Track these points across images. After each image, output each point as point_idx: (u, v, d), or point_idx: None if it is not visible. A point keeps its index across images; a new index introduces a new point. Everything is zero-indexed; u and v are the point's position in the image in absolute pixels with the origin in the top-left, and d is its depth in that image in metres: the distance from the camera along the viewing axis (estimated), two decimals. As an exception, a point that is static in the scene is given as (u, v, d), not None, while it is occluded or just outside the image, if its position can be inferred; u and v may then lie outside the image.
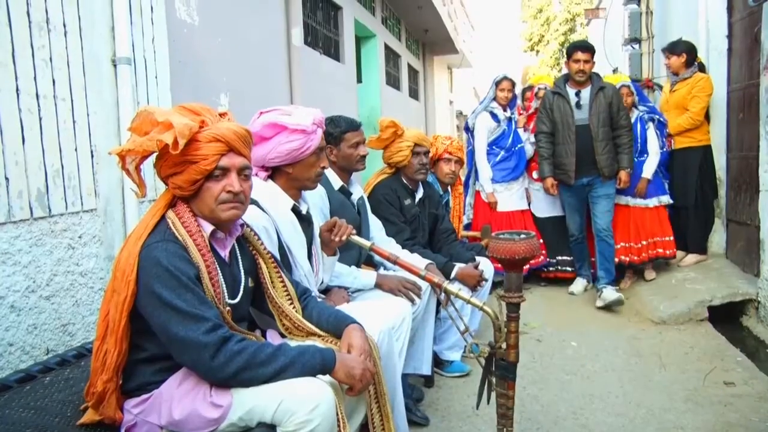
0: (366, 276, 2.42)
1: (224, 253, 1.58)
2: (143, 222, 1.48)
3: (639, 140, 4.24)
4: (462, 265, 2.89)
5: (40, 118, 2.19)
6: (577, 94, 4.07)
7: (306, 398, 1.37)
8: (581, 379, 2.92)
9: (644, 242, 4.29)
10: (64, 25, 2.33)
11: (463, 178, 4.40)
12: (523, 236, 1.76)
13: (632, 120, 4.22)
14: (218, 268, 1.52)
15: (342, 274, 2.36)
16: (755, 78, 3.68)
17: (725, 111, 4.33)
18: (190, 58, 3.41)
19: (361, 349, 1.59)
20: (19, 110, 2.08)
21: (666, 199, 4.38)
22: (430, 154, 3.42)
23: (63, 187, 2.29)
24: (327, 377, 1.48)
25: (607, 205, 4.14)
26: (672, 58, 4.30)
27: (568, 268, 4.63)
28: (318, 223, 2.14)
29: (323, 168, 2.09)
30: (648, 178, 4.22)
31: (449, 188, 3.77)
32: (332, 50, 6.77)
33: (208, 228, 1.52)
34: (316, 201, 2.28)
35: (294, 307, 1.71)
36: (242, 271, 1.62)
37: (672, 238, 4.32)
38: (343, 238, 2.04)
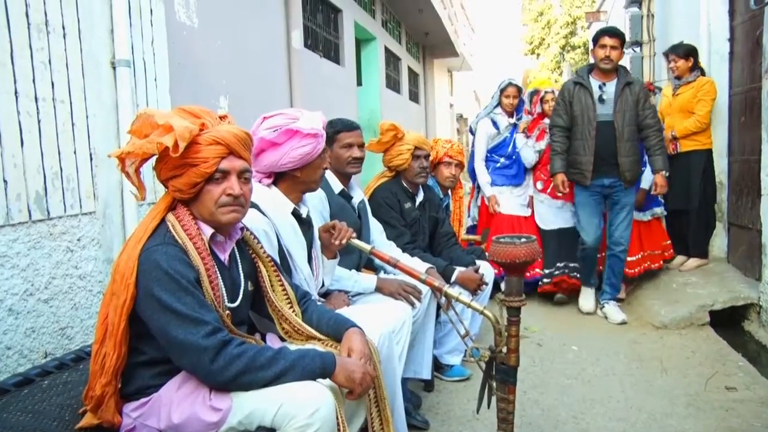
0: (366, 280, 2.42)
1: (224, 257, 1.58)
2: (143, 225, 1.48)
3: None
4: (462, 268, 2.90)
5: (39, 121, 2.19)
6: (602, 87, 3.70)
7: (306, 402, 1.37)
8: (582, 384, 2.92)
9: (639, 255, 4.19)
10: (63, 27, 2.34)
11: (470, 182, 4.45)
12: (523, 240, 1.77)
13: None
14: (218, 272, 1.52)
15: (342, 278, 2.37)
16: (757, 81, 3.69)
17: (727, 114, 4.34)
18: (190, 60, 3.42)
19: (361, 352, 1.59)
20: (18, 112, 2.09)
21: (660, 211, 4.33)
22: (431, 158, 3.43)
23: (62, 189, 2.30)
24: (327, 381, 1.48)
25: (628, 217, 3.82)
26: (680, 61, 4.24)
27: (574, 274, 4.28)
28: (318, 226, 2.15)
29: (326, 168, 2.13)
30: (646, 189, 4.08)
31: (449, 192, 3.78)
32: (332, 53, 6.79)
33: (208, 231, 1.52)
34: (316, 204, 2.29)
35: (294, 311, 1.72)
36: (242, 275, 1.62)
37: (669, 242, 4.28)
38: (343, 241, 2.05)
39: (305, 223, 2.08)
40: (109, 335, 1.41)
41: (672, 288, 4.08)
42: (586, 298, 4.07)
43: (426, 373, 2.58)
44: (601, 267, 4.14)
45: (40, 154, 2.19)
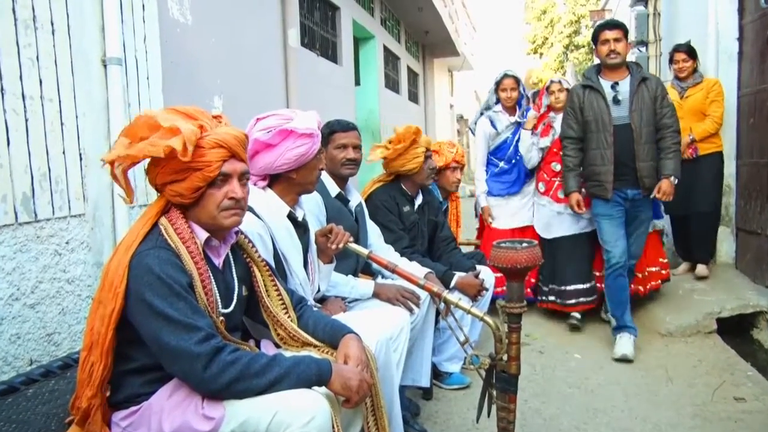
0: (363, 285, 2.42)
1: (218, 261, 1.58)
2: (134, 230, 1.47)
3: None
4: (462, 274, 2.90)
5: (26, 120, 2.19)
6: (614, 87, 3.37)
7: (301, 410, 1.37)
8: (585, 393, 2.91)
9: (647, 271, 3.94)
10: (52, 23, 2.34)
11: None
12: (525, 245, 1.77)
13: None
14: (212, 277, 1.52)
15: (338, 284, 2.37)
16: (767, 82, 3.70)
17: (735, 116, 4.35)
18: (183, 58, 3.43)
19: (358, 359, 1.59)
20: (4, 111, 2.09)
21: (660, 224, 4.12)
22: (440, 164, 3.49)
23: (50, 191, 2.29)
24: (323, 389, 1.47)
25: (646, 231, 3.58)
26: (689, 61, 4.21)
27: (571, 301, 3.85)
28: (314, 230, 2.15)
29: (322, 169, 2.14)
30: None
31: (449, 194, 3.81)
32: (330, 52, 6.81)
33: (202, 235, 1.52)
34: (312, 208, 2.29)
35: (289, 317, 1.72)
36: (236, 280, 1.62)
37: (666, 259, 4.09)
38: (340, 245, 2.05)
39: (301, 227, 2.08)
40: (95, 345, 1.40)
41: (678, 294, 4.07)
42: (623, 342, 3.38)
43: (425, 381, 2.58)
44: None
45: (28, 154, 2.18)
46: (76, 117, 2.47)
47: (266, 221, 1.94)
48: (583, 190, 3.55)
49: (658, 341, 3.60)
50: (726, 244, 4.47)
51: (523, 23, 27.00)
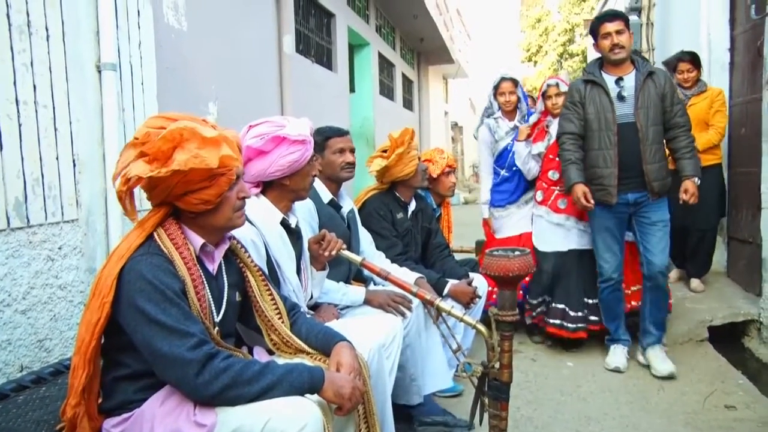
0: (355, 292, 2.44)
1: (212, 267, 1.59)
2: (128, 240, 1.47)
3: None
4: (455, 281, 2.92)
5: (20, 125, 2.19)
6: (618, 82, 3.08)
7: (293, 418, 1.38)
8: (577, 400, 2.92)
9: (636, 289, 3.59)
10: (47, 29, 2.34)
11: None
12: (517, 253, 1.77)
13: None
14: (205, 283, 1.53)
15: (330, 291, 2.38)
16: (758, 92, 3.74)
17: (727, 126, 4.38)
18: (178, 64, 3.44)
19: (350, 367, 1.60)
20: (-3, 116, 2.09)
21: None
22: (437, 173, 3.54)
23: (43, 196, 2.29)
24: (315, 396, 1.48)
25: (665, 235, 3.18)
26: (695, 71, 4.13)
27: (569, 325, 3.49)
28: (307, 237, 2.16)
29: (315, 175, 2.15)
30: None
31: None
32: (325, 59, 6.83)
33: (197, 241, 1.53)
34: (304, 215, 2.30)
35: (283, 322, 1.72)
36: (227, 285, 1.63)
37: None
38: (333, 252, 2.06)
39: (294, 234, 2.09)
40: (78, 352, 1.40)
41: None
42: (616, 354, 3.29)
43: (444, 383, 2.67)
44: (631, 303, 3.51)
45: (21, 159, 2.18)
46: (70, 122, 2.47)
47: (259, 228, 1.95)
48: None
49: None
50: (718, 252, 4.49)
51: (517, 31, 27.20)
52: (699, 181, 3.10)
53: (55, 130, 2.38)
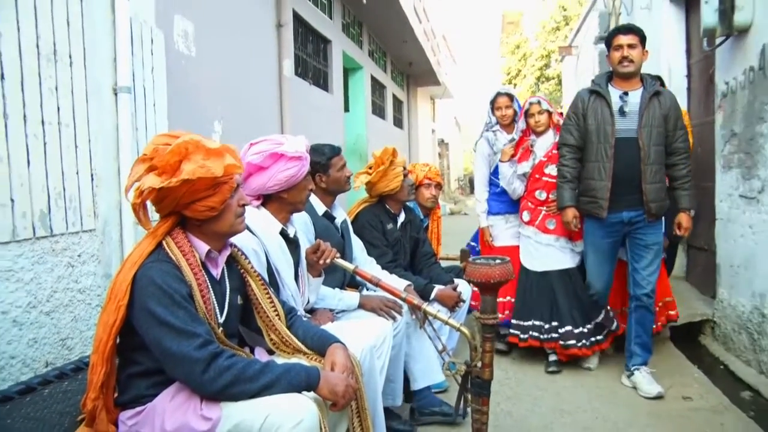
0: (349, 297, 2.45)
1: (216, 272, 1.61)
2: (140, 248, 1.49)
3: None
4: (441, 286, 2.94)
5: (45, 143, 2.21)
6: (623, 97, 2.87)
7: (291, 413, 1.40)
8: (552, 395, 2.96)
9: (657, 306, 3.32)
10: (70, 56, 2.37)
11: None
12: (498, 261, 1.80)
13: None
14: (210, 287, 1.55)
15: (327, 297, 2.40)
16: (711, 115, 3.83)
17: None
18: (187, 87, 3.47)
19: (343, 366, 1.62)
20: (26, 135, 2.12)
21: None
22: (413, 182, 3.53)
23: (64, 208, 2.31)
24: (311, 393, 1.51)
25: (657, 260, 2.97)
26: None
27: (545, 336, 3.27)
28: (304, 246, 2.18)
29: (311, 190, 2.17)
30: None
31: (429, 212, 3.84)
32: (321, 81, 6.89)
33: (202, 248, 1.56)
34: (301, 226, 2.32)
35: (282, 323, 1.75)
36: (230, 289, 1.65)
37: (671, 298, 3.48)
38: (328, 260, 2.08)
39: (293, 243, 2.11)
40: (96, 351, 1.42)
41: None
42: (644, 379, 2.94)
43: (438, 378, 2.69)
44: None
45: (45, 175, 2.21)
46: (89, 140, 2.49)
47: (260, 238, 1.96)
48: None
49: (619, 347, 3.65)
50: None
51: (498, 56, 27.41)
52: (693, 213, 2.93)
53: (76, 147, 2.41)
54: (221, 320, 1.58)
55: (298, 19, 5.87)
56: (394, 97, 12.10)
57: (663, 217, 3.00)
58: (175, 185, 1.43)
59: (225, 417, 1.42)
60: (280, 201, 2.05)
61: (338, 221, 2.69)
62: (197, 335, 1.41)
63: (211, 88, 3.85)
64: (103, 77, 2.61)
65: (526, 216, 3.44)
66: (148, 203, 1.51)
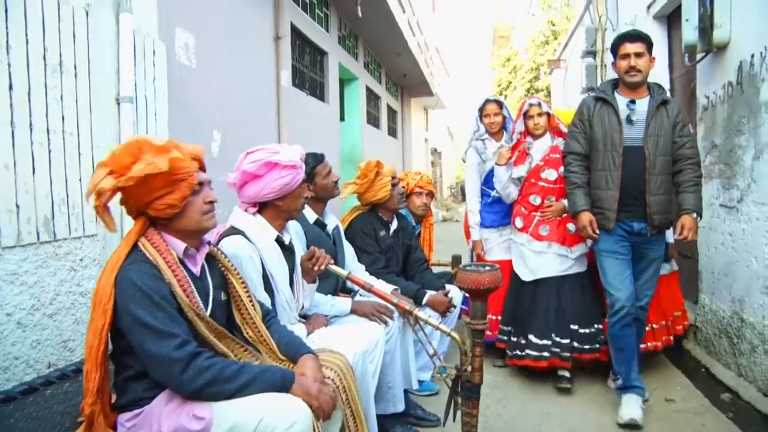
0: (342, 303, 2.47)
1: (196, 270, 1.63)
2: (117, 253, 1.50)
3: None
4: (433, 292, 2.95)
5: (50, 151, 2.23)
6: (630, 105, 2.74)
7: (285, 415, 1.42)
8: (541, 399, 2.98)
9: (664, 322, 3.23)
10: (75, 67, 2.40)
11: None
12: (487, 268, 1.81)
13: None
14: (191, 282, 1.56)
15: (320, 303, 2.41)
16: (693, 128, 3.89)
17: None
18: (187, 97, 3.49)
19: (314, 377, 1.62)
20: (31, 143, 2.14)
21: (669, 267, 3.32)
22: (405, 190, 3.54)
23: (67, 214, 2.33)
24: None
25: (657, 273, 2.85)
26: None
27: (544, 354, 3.05)
28: (299, 253, 2.19)
29: (307, 197, 2.18)
30: (672, 243, 3.17)
31: (421, 220, 3.84)
32: (318, 91, 6.92)
33: (180, 246, 1.57)
34: (292, 235, 2.33)
35: (260, 320, 1.76)
36: (213, 286, 1.66)
37: (680, 311, 3.34)
38: (322, 267, 2.09)
39: (288, 249, 2.12)
40: (89, 357, 1.43)
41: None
42: (630, 403, 2.69)
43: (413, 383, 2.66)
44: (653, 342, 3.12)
45: (49, 182, 2.23)
46: (92, 149, 2.51)
47: (256, 244, 1.98)
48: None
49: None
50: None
51: (489, 68, 27.56)
52: (700, 218, 2.70)
53: (79, 155, 2.42)
54: (206, 315, 1.58)
55: (295, 31, 5.91)
56: (389, 107, 12.15)
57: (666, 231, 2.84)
58: (127, 184, 1.44)
59: (219, 419, 1.43)
60: (276, 208, 2.05)
61: (330, 228, 2.71)
62: (175, 335, 1.42)
63: (211, 98, 3.87)
64: (106, 87, 2.64)
65: (519, 222, 3.28)
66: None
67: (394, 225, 3.21)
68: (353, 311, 2.45)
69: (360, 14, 7.27)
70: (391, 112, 12.64)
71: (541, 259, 3.16)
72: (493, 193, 3.50)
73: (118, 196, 1.52)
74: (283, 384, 1.52)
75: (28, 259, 2.11)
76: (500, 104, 3.53)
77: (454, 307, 2.99)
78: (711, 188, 3.38)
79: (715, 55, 3.29)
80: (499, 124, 3.51)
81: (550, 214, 3.19)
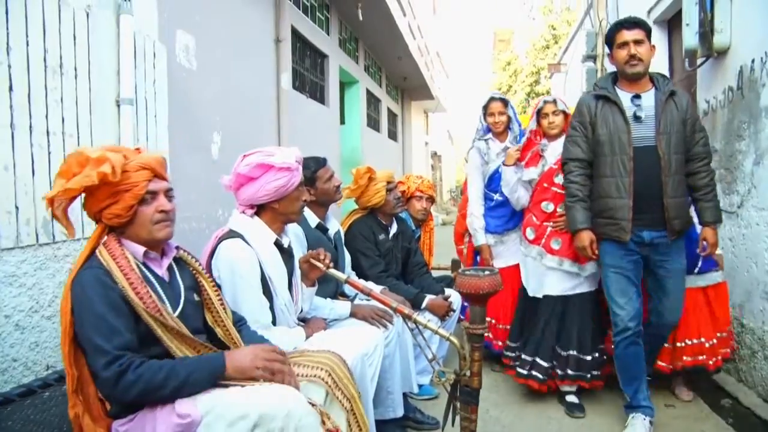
0: (341, 307, 2.47)
1: (161, 272, 1.63)
2: (78, 260, 1.54)
3: None
4: (432, 296, 2.95)
5: (49, 153, 2.23)
6: (635, 100, 2.46)
7: (279, 405, 1.44)
8: (539, 403, 2.97)
9: (681, 343, 2.82)
10: (75, 69, 2.39)
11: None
12: (487, 272, 1.80)
13: None
14: (152, 285, 1.56)
15: (319, 307, 2.41)
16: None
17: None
18: (187, 99, 3.49)
19: (249, 350, 1.60)
20: (31, 145, 2.13)
21: (719, 276, 2.86)
22: (405, 193, 3.54)
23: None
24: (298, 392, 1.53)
25: (683, 285, 2.57)
26: None
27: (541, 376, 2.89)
28: (298, 256, 2.19)
29: (306, 201, 2.17)
30: (699, 252, 2.65)
31: (421, 224, 3.85)
32: (318, 94, 6.93)
33: (139, 250, 1.58)
34: (291, 239, 2.34)
35: (230, 321, 1.76)
36: (182, 287, 1.67)
37: (725, 333, 2.86)
38: (328, 262, 2.10)
39: (287, 253, 2.12)
40: (64, 359, 1.47)
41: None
42: (635, 425, 2.52)
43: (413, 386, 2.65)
44: (682, 359, 2.81)
45: (49, 183, 2.21)
46: (92, 150, 2.51)
47: (254, 248, 1.97)
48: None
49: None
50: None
51: (490, 72, 27.60)
52: (719, 226, 2.52)
53: (79, 157, 2.42)
54: (175, 314, 1.58)
55: (296, 34, 5.92)
56: (389, 110, 12.17)
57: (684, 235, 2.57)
58: (66, 196, 1.46)
59: (216, 417, 1.44)
60: (273, 211, 2.05)
61: (331, 232, 2.71)
62: (106, 352, 1.41)
63: (211, 100, 3.87)
64: (106, 89, 2.63)
65: (530, 234, 2.94)
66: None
67: (393, 228, 3.22)
68: (353, 315, 2.45)
69: (361, 17, 7.29)
70: (392, 116, 12.65)
71: (552, 275, 2.86)
72: (496, 197, 3.28)
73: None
74: (213, 374, 1.51)
75: (26, 260, 2.10)
76: (505, 103, 3.33)
77: (453, 311, 2.99)
78: (711, 193, 3.37)
79: (716, 60, 3.31)
80: (503, 123, 3.30)
81: (563, 224, 2.83)
